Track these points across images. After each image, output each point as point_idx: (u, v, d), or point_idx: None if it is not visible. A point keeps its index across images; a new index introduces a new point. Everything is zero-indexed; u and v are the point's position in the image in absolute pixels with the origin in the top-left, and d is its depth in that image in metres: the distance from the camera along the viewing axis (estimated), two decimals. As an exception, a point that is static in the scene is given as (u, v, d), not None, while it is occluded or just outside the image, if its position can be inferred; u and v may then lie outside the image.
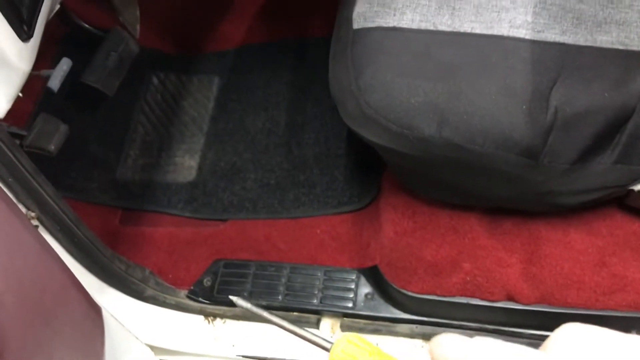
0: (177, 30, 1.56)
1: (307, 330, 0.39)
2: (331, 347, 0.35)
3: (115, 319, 0.96)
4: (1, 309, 0.56)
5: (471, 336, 0.31)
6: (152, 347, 1.11)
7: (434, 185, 1.04)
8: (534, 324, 1.01)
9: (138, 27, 1.38)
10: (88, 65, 1.22)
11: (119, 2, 1.33)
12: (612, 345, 0.29)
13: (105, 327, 0.86)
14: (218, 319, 1.13)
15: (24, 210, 0.82)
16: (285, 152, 1.34)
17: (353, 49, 0.91)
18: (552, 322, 0.97)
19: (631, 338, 0.29)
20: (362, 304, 1.07)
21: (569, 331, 0.30)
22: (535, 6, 0.89)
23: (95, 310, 0.82)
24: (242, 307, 0.43)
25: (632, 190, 0.92)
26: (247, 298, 1.05)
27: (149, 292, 1.11)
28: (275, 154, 1.34)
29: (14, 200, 0.79)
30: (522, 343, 0.30)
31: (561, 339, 0.30)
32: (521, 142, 0.83)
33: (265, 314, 0.41)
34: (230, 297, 0.47)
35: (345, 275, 1.11)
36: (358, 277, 1.10)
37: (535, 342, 0.92)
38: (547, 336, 0.32)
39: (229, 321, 1.13)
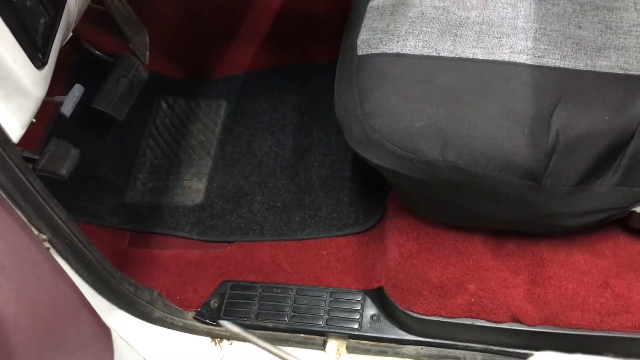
0: (185, 57, 1.60)
1: (288, 354, 0.39)
2: None
3: (124, 340, 0.97)
4: (16, 330, 0.57)
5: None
6: (160, 369, 1.11)
7: (438, 208, 1.05)
8: (539, 345, 1.01)
9: (147, 53, 1.41)
10: (99, 91, 1.25)
11: (129, 30, 1.36)
12: None
13: (114, 349, 0.87)
14: (225, 341, 1.14)
15: (36, 232, 0.84)
16: (291, 175, 1.35)
17: (358, 74, 0.93)
18: (557, 342, 0.99)
19: None
20: (368, 325, 1.08)
21: None
22: (536, 32, 0.91)
23: (105, 332, 0.83)
24: (230, 331, 0.43)
25: (634, 212, 0.93)
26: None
27: (157, 313, 1.12)
28: (281, 177, 1.36)
29: (27, 222, 0.81)
30: None
31: None
32: (524, 165, 0.84)
33: (250, 337, 0.41)
34: (220, 321, 0.48)
35: (350, 297, 1.11)
36: (364, 299, 1.11)
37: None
38: None
39: (235, 343, 1.13)
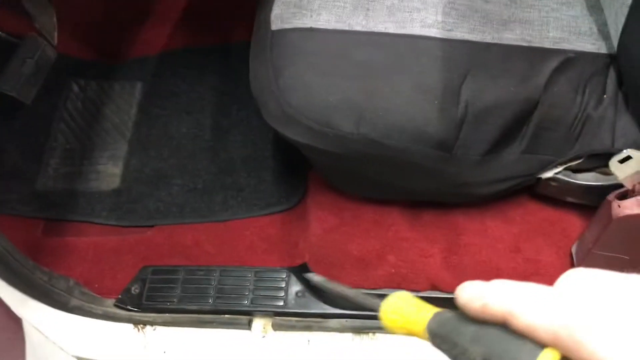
0: (96, 37, 1.53)
1: (360, 292, 0.43)
2: (383, 301, 0.39)
3: (39, 330, 0.93)
4: None
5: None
6: (79, 359, 1.08)
7: (357, 182, 1.06)
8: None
9: (55, 34, 1.35)
10: (2, 73, 1.18)
11: (34, 9, 1.29)
12: (618, 284, 0.30)
13: (27, 340, 0.84)
14: (148, 327, 1.11)
15: None
16: (211, 156, 1.33)
17: (272, 50, 0.93)
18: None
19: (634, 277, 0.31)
20: (293, 302, 1.08)
21: (578, 273, 0.32)
22: (445, 6, 0.94)
23: (14, 323, 0.79)
24: (315, 283, 0.48)
25: (541, 178, 0.97)
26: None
27: (74, 302, 1.08)
28: (201, 158, 1.33)
29: None
30: None
31: (570, 280, 0.32)
32: (435, 136, 0.87)
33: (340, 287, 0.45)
34: (305, 275, 0.53)
35: (275, 275, 1.11)
36: (288, 276, 1.11)
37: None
38: None
39: (159, 328, 1.11)
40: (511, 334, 0.31)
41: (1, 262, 0.93)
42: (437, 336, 0.36)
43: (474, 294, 0.33)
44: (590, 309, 0.29)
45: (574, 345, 0.28)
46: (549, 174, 0.96)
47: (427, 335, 0.36)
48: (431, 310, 0.37)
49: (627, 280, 0.30)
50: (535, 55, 0.92)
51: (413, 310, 0.38)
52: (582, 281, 0.31)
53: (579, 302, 0.29)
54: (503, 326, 0.32)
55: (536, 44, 0.93)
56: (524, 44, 0.93)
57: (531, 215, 1.07)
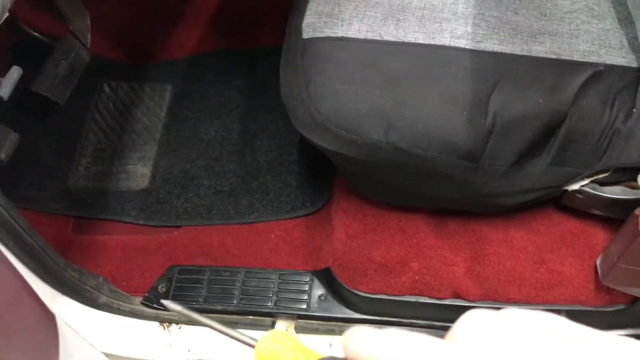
0: (128, 39, 1.56)
1: (234, 330, 0.39)
2: (256, 344, 0.36)
3: (70, 326, 0.96)
4: (-45, 315, 0.56)
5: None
6: (107, 355, 1.10)
7: (383, 189, 1.08)
8: (480, 320, 1.05)
9: (89, 36, 1.38)
10: (38, 74, 1.21)
11: (69, 11, 1.32)
12: (516, 324, 0.30)
13: (59, 335, 0.86)
14: (173, 325, 1.14)
15: (-26, 219, 0.81)
16: (238, 159, 1.35)
17: (303, 58, 0.94)
18: (495, 317, 1.03)
19: (530, 313, 0.30)
20: (316, 305, 1.10)
21: (471, 318, 0.31)
22: (475, 18, 0.94)
23: (48, 318, 0.82)
24: (173, 310, 0.42)
25: (567, 190, 0.98)
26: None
27: (103, 299, 1.11)
28: (228, 161, 1.36)
29: (-36, 209, 0.79)
30: None
31: (465, 326, 0.31)
32: (462, 147, 0.87)
33: (195, 315, 0.40)
34: (162, 301, 0.48)
35: (299, 278, 1.13)
36: (312, 280, 1.12)
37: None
38: None
39: (184, 327, 1.14)
40: None
41: (35, 259, 0.95)
42: None
43: (361, 351, 0.31)
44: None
45: None
46: (575, 186, 0.96)
47: None
48: (310, 356, 0.35)
49: (528, 317, 0.30)
50: (564, 68, 0.92)
51: (290, 357, 0.35)
52: (479, 327, 0.30)
53: (473, 355, 0.29)
54: None
55: (565, 56, 0.93)
56: (553, 56, 0.93)
57: (556, 226, 1.07)
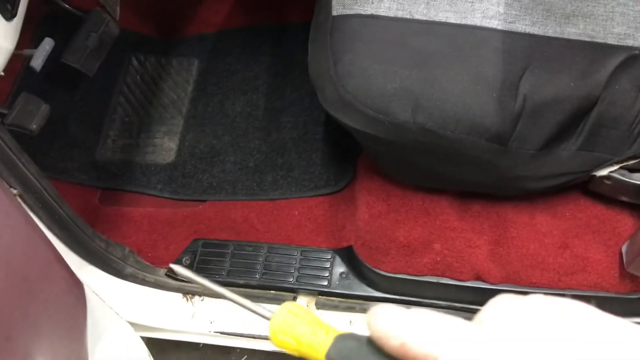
0: (157, 13, 1.57)
1: (249, 301, 0.37)
2: (271, 316, 0.34)
3: (97, 295, 0.98)
4: (-10, 280, 0.58)
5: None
6: (132, 324, 1.13)
7: (408, 169, 1.07)
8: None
9: (118, 9, 1.38)
10: (68, 46, 1.22)
11: (99, -17, 1.33)
12: (543, 310, 0.29)
13: (87, 303, 0.88)
14: (196, 297, 1.16)
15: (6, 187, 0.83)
16: (264, 136, 1.36)
17: (332, 35, 0.94)
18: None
19: (558, 300, 0.30)
20: (337, 282, 1.11)
21: (499, 302, 0.31)
22: (508, -2, 0.93)
23: (77, 286, 0.84)
24: (183, 276, 0.39)
25: (595, 175, 0.97)
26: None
27: (129, 270, 1.13)
28: (254, 137, 1.36)
29: (-2, 177, 0.81)
30: None
31: (493, 311, 0.31)
32: (491, 128, 0.87)
33: (207, 283, 0.38)
34: (171, 265, 0.45)
35: (321, 255, 1.14)
36: (333, 257, 1.13)
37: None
38: None
39: (207, 299, 1.16)
40: None
41: (64, 229, 0.98)
42: None
43: (390, 330, 0.30)
44: (514, 347, 0.28)
45: None
46: (603, 172, 0.95)
47: None
48: (329, 332, 0.32)
49: (555, 303, 0.29)
50: (597, 51, 0.90)
51: (307, 331, 0.32)
52: (507, 312, 0.30)
53: (501, 339, 0.28)
54: None
55: (599, 39, 0.91)
56: (587, 39, 0.91)
57: (582, 211, 1.06)
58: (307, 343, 0.32)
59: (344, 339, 0.31)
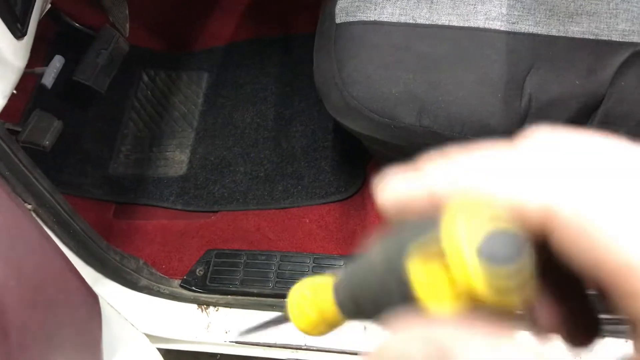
0: (165, 29, 1.59)
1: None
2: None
3: (112, 307, 1.00)
4: (5, 291, 0.59)
5: None
6: (148, 336, 1.14)
7: (417, 173, 1.07)
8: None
9: (127, 25, 1.41)
10: (79, 64, 1.25)
11: (109, 2, 1.36)
12: (580, 140, 0.23)
13: (102, 315, 0.89)
14: (211, 307, 1.16)
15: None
16: (273, 146, 1.37)
17: (336, 42, 0.95)
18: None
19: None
20: (350, 289, 1.11)
21: (537, 130, 0.24)
22: (510, -1, 0.93)
23: (92, 298, 0.85)
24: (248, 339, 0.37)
25: (605, 173, 0.96)
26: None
27: (143, 282, 1.14)
28: (264, 147, 1.37)
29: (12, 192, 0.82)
30: None
31: (531, 136, 0.24)
32: (497, 129, 0.87)
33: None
34: (238, 336, 0.41)
35: (333, 262, 1.14)
36: (345, 264, 1.13)
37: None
38: None
39: (221, 309, 1.16)
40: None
41: (79, 242, 0.99)
42: (349, 298, 0.26)
43: (408, 185, 0.23)
44: (585, 179, 0.21)
45: (577, 229, 0.20)
46: (613, 169, 0.95)
47: (339, 311, 0.27)
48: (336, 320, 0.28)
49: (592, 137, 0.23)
50: (602, 48, 0.90)
51: (322, 284, 0.29)
52: (546, 138, 0.23)
53: (561, 171, 0.22)
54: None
55: (604, 36, 0.91)
56: (591, 36, 0.91)
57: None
58: (319, 300, 0.28)
59: (344, 269, 0.27)
